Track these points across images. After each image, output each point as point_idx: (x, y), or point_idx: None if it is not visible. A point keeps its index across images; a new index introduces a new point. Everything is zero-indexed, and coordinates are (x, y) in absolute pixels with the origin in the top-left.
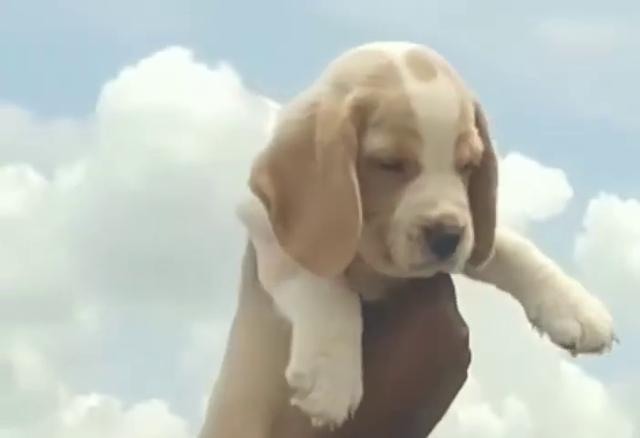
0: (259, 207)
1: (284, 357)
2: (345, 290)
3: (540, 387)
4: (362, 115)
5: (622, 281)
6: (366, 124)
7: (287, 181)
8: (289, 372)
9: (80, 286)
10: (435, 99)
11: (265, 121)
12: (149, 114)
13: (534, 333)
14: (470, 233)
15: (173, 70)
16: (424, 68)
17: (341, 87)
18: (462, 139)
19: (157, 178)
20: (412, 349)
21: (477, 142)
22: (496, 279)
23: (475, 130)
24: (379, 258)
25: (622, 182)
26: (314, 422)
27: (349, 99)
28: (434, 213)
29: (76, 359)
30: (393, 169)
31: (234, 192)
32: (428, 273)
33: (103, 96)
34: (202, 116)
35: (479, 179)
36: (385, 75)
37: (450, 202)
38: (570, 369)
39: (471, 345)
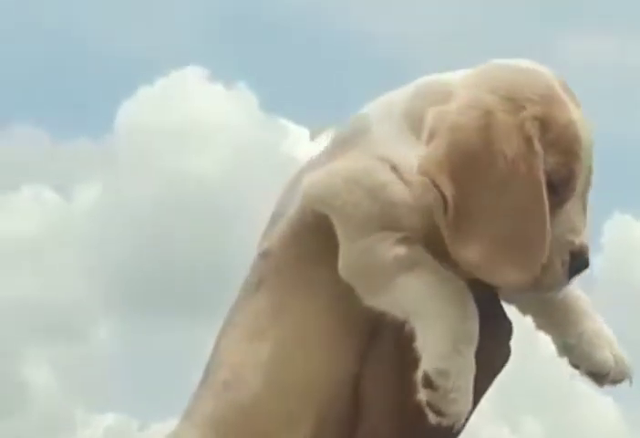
0: (354, 198)
1: (340, 349)
2: (467, 289)
3: (554, 405)
4: (541, 134)
5: (638, 300)
6: (544, 143)
7: (465, 185)
8: (431, 368)
9: (97, 305)
10: (588, 127)
11: (281, 141)
12: (166, 133)
13: (548, 354)
14: None
15: (190, 89)
16: (571, 95)
17: (513, 101)
18: (591, 169)
19: (174, 197)
20: (484, 358)
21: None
22: (528, 302)
23: None
24: None
25: (636, 202)
26: (439, 420)
27: (530, 115)
28: (580, 240)
29: (92, 378)
30: (552, 190)
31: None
32: (547, 293)
33: (120, 115)
34: (219, 135)
35: None
36: (553, 96)
37: (586, 230)
38: (583, 388)
39: None
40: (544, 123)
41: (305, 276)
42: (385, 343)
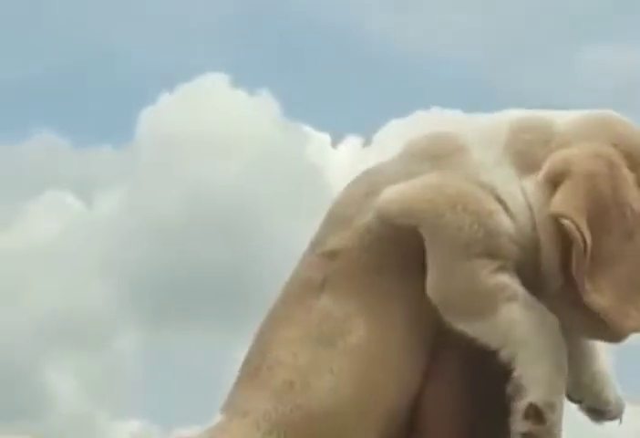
0: (460, 220)
1: (408, 366)
2: (559, 324)
3: (586, 429)
4: None
5: None
6: None
7: (597, 231)
8: (541, 401)
9: (119, 313)
10: None
11: (304, 148)
12: (187, 140)
13: None
14: None
15: (212, 96)
16: None
17: (631, 157)
18: None
19: (195, 204)
20: None
21: None
22: None
23: None
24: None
25: None
26: None
27: None
28: None
29: (115, 385)
30: None
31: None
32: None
33: (140, 122)
34: (241, 142)
35: None
36: None
37: None
38: None
39: None
40: None
41: (379, 287)
42: (450, 364)
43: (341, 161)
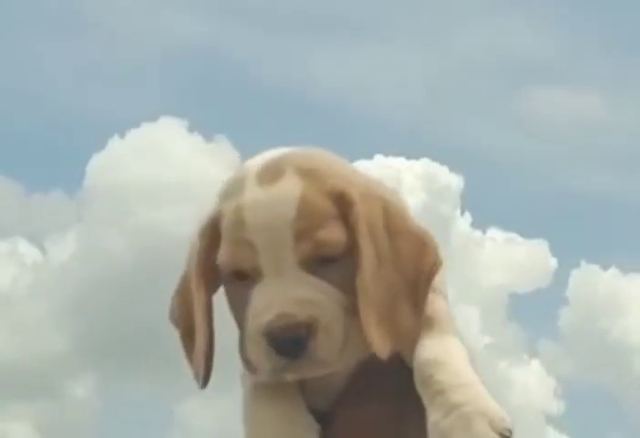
0: None
1: None
2: None
3: None
4: None
5: (604, 350)
6: None
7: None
8: None
9: (73, 362)
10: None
11: None
12: (137, 186)
13: (523, 403)
14: (326, 326)
15: (167, 141)
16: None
17: None
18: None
19: (147, 250)
20: None
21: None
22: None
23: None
24: (246, 367)
25: (603, 252)
26: None
27: None
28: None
29: (68, 434)
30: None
31: None
32: (287, 377)
33: (90, 168)
34: (195, 188)
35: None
36: None
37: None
38: (557, 437)
39: None
40: None
41: None
42: None
43: None
